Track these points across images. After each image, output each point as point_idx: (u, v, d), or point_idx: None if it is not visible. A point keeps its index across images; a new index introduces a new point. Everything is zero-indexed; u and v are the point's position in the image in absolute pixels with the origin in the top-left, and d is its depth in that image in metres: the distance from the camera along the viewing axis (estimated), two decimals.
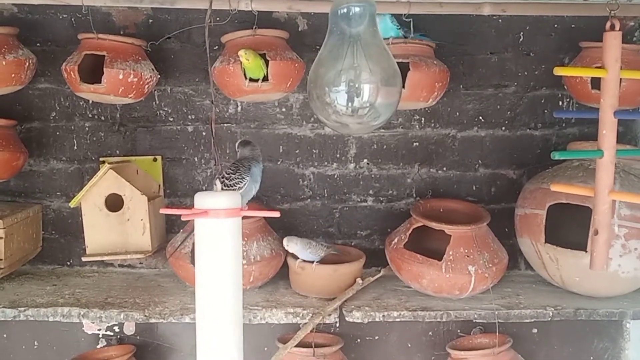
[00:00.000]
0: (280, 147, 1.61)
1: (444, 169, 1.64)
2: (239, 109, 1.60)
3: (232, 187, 1.34)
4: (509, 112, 1.62)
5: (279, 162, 1.62)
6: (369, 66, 1.03)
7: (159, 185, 1.60)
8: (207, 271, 0.97)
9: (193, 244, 1.36)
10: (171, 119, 1.60)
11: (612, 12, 1.17)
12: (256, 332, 1.54)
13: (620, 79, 1.19)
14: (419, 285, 1.41)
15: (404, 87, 1.32)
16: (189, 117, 1.60)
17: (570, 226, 1.38)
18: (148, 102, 1.58)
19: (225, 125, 1.59)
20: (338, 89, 1.04)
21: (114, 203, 1.45)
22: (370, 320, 1.37)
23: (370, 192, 1.64)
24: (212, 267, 0.97)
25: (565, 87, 1.54)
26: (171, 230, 1.61)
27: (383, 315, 1.37)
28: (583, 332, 1.66)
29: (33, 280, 1.56)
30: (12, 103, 1.56)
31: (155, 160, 1.60)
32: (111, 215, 1.45)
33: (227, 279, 0.97)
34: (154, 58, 1.48)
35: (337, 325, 1.45)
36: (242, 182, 1.35)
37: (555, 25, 1.58)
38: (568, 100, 1.61)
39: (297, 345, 1.38)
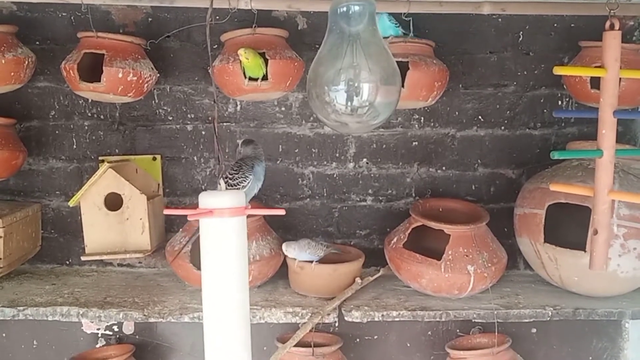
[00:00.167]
0: (280, 146, 1.61)
1: (443, 168, 1.64)
2: (239, 108, 1.60)
3: (235, 186, 1.34)
4: (508, 112, 1.62)
5: (278, 162, 1.61)
6: (368, 65, 1.03)
7: (158, 185, 1.60)
8: (213, 271, 0.97)
9: (193, 243, 1.36)
10: (170, 118, 1.60)
11: (612, 11, 1.17)
12: (255, 332, 1.49)
13: (620, 79, 1.19)
14: (418, 284, 1.41)
15: (403, 86, 1.32)
16: (189, 116, 1.59)
17: (569, 226, 1.38)
18: (147, 101, 1.58)
19: (224, 124, 1.59)
20: (337, 88, 1.04)
21: (113, 202, 1.45)
22: (369, 319, 1.37)
23: (370, 191, 1.64)
24: (219, 267, 0.97)
25: (564, 86, 1.54)
26: (170, 230, 1.61)
27: (382, 315, 1.37)
28: (582, 332, 1.66)
29: (32, 279, 1.56)
30: (11, 102, 1.56)
31: (154, 159, 1.60)
32: (110, 215, 1.45)
33: (233, 278, 0.97)
34: (153, 57, 1.48)
35: (336, 324, 1.45)
36: (245, 181, 1.35)
37: (555, 25, 1.58)
38: (567, 99, 1.61)
39: (296, 345, 1.38)
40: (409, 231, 1.44)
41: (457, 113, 1.61)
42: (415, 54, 1.40)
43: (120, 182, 1.43)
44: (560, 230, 1.39)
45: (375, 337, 1.64)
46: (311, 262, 1.43)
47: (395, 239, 1.46)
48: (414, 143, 1.62)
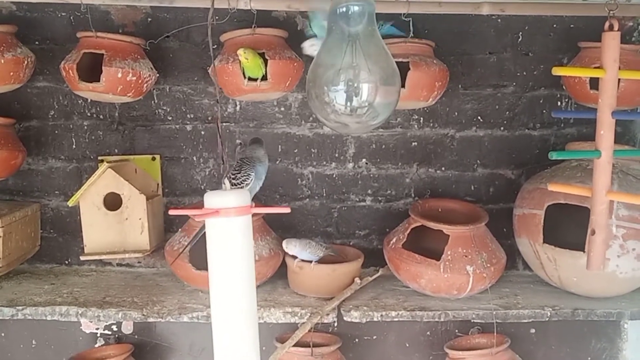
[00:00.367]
0: (279, 146, 1.61)
1: (443, 168, 1.64)
2: (238, 108, 1.60)
3: (238, 185, 1.34)
4: (507, 112, 1.62)
5: (277, 162, 1.61)
6: (367, 65, 1.03)
7: (158, 184, 1.60)
8: (220, 271, 0.97)
9: (192, 243, 1.36)
10: (170, 118, 1.60)
11: (611, 12, 1.17)
12: None
13: (619, 79, 1.19)
14: (417, 285, 1.41)
15: (403, 86, 1.32)
16: (188, 116, 1.59)
17: (568, 226, 1.38)
18: (147, 101, 1.58)
19: (224, 124, 1.59)
20: (337, 88, 1.04)
21: (113, 202, 1.45)
22: (368, 320, 1.37)
23: (369, 191, 1.64)
24: (226, 267, 0.96)
25: (563, 87, 1.54)
26: (169, 230, 1.61)
27: (381, 315, 1.37)
28: (581, 333, 1.66)
29: (31, 279, 1.55)
30: (11, 101, 1.56)
31: (153, 159, 1.60)
32: (109, 214, 1.45)
33: (240, 277, 0.97)
34: (152, 57, 1.48)
35: (335, 324, 1.45)
36: (248, 179, 1.35)
37: (554, 25, 1.58)
38: (567, 100, 1.61)
39: (295, 345, 1.38)
40: (408, 231, 1.44)
41: (456, 113, 1.61)
42: (416, 54, 1.40)
43: (119, 182, 1.43)
44: (559, 230, 1.39)
45: (374, 337, 1.64)
46: (310, 261, 1.43)
47: (394, 239, 1.46)
48: (413, 143, 1.62)
